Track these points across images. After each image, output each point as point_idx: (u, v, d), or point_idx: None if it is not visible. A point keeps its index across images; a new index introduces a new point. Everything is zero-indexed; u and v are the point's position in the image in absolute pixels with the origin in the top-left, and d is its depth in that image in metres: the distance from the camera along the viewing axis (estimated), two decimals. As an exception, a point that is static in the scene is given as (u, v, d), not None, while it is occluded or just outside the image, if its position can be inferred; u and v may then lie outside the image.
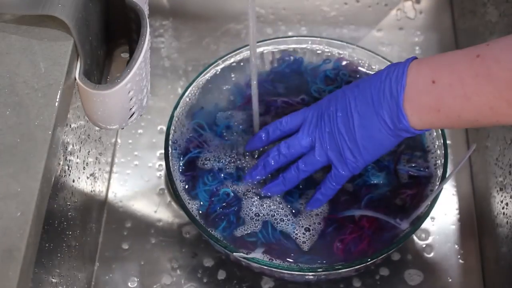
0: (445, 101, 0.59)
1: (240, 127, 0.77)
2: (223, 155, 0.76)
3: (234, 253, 0.68)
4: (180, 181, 0.73)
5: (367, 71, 0.80)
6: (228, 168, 0.75)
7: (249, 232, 0.71)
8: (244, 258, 0.68)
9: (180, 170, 0.74)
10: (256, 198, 0.73)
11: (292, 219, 0.71)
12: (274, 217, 0.71)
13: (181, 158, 0.75)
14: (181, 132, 0.77)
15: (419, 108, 0.61)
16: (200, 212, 0.72)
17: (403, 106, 0.61)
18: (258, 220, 0.71)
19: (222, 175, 0.74)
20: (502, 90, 0.55)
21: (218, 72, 0.81)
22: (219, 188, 0.73)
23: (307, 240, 0.70)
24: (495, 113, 0.57)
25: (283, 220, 0.71)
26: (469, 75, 0.56)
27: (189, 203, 0.72)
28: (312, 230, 0.71)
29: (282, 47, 0.82)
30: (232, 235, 0.71)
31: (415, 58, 0.62)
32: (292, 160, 0.71)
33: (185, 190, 0.73)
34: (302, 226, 0.71)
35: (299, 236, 0.71)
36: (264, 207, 0.72)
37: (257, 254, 0.68)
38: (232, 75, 0.81)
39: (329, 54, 0.82)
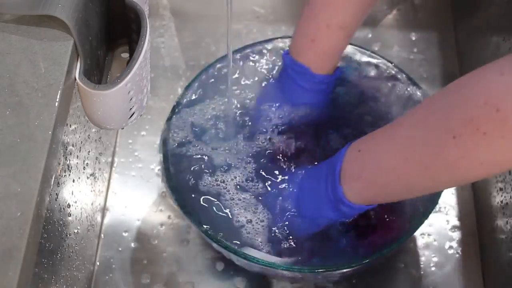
0: (365, 168, 0.61)
1: (236, 122, 0.77)
2: (216, 152, 0.75)
3: (238, 251, 0.67)
4: (176, 177, 0.73)
5: (370, 71, 0.81)
6: (221, 166, 0.74)
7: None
8: (233, 252, 0.67)
9: (178, 167, 0.74)
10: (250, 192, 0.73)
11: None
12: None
13: (179, 157, 0.75)
14: (180, 131, 0.77)
15: (348, 176, 0.63)
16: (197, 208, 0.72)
17: (339, 175, 0.63)
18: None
19: (216, 171, 0.74)
20: (400, 149, 0.56)
21: (218, 72, 0.81)
22: (212, 181, 0.73)
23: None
24: (398, 175, 0.58)
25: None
26: (381, 141, 0.60)
27: (185, 201, 0.71)
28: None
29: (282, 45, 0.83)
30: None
31: None
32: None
33: (180, 185, 0.73)
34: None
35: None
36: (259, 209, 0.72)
37: (249, 250, 0.68)
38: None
39: None
